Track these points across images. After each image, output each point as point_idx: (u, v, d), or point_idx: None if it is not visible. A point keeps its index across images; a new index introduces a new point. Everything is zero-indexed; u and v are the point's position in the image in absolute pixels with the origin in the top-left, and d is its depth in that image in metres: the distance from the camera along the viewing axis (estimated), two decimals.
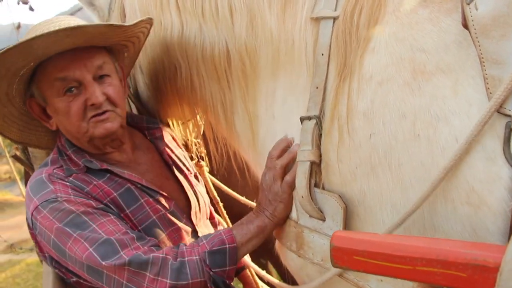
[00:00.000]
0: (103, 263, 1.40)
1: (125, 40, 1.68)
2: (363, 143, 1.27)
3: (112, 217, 1.51)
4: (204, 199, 1.89)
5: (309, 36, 1.41)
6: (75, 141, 1.62)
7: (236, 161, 1.90)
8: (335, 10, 1.37)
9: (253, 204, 2.22)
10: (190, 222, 1.73)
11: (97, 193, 1.55)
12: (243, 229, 1.51)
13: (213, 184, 2.23)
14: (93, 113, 1.55)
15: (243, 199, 2.26)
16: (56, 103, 1.54)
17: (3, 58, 1.41)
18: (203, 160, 2.10)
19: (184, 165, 1.88)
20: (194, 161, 2.10)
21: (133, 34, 1.66)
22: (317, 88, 1.36)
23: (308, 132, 1.35)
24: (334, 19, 1.37)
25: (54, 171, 1.57)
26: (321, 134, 1.36)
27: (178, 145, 1.98)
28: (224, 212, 2.19)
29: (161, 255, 1.44)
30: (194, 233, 1.72)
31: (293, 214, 1.46)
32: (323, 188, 1.36)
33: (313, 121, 1.35)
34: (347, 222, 1.33)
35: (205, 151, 2.05)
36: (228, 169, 2.00)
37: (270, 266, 3.79)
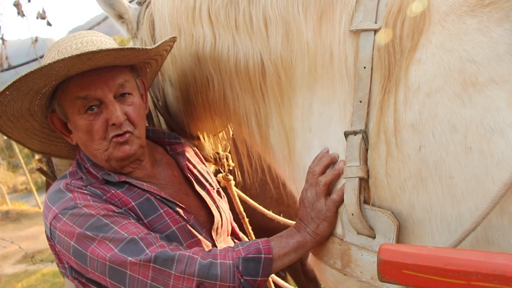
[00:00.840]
0: (129, 258, 1.35)
1: (148, 60, 1.64)
2: (412, 156, 1.22)
3: (133, 220, 1.47)
4: (226, 215, 1.82)
5: (348, 49, 1.36)
6: (93, 158, 1.58)
7: (271, 174, 1.85)
8: (376, 22, 1.33)
9: (280, 218, 2.15)
10: (209, 237, 1.66)
11: (115, 201, 1.51)
12: (282, 242, 1.44)
13: (239, 198, 2.16)
14: (114, 133, 1.51)
15: (269, 213, 2.19)
16: (77, 120, 1.50)
17: (25, 80, 1.38)
18: (231, 173, 2.03)
19: (207, 180, 1.82)
20: (222, 174, 2.03)
21: (156, 53, 1.62)
22: (360, 102, 1.31)
23: (355, 147, 1.30)
24: (375, 31, 1.32)
25: (72, 181, 1.54)
26: (367, 149, 1.31)
27: (200, 160, 1.92)
28: (250, 227, 2.11)
29: (188, 253, 1.39)
30: (214, 247, 1.65)
31: (338, 231, 1.40)
32: (372, 204, 1.31)
33: (359, 136, 1.30)
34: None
35: (234, 164, 1.98)
36: (261, 183, 1.94)
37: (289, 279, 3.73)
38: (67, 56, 1.34)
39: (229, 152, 2.05)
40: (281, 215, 2.19)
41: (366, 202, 1.32)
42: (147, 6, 1.90)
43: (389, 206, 1.29)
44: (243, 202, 2.18)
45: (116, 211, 1.46)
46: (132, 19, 1.91)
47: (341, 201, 1.36)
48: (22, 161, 14.73)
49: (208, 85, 1.73)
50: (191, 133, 1.93)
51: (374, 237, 1.31)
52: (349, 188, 1.31)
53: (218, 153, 2.02)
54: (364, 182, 1.31)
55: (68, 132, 1.60)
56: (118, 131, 1.51)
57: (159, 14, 1.82)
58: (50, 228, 1.47)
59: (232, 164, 2.03)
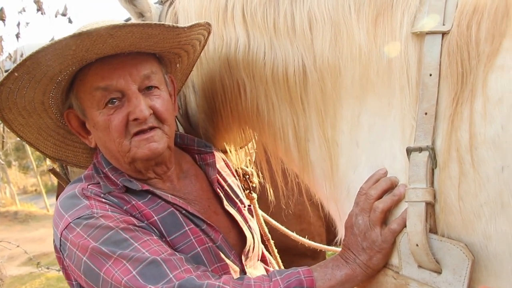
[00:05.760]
0: (148, 286, 1.09)
1: (178, 48, 1.36)
2: (492, 177, 0.99)
3: (155, 237, 1.21)
4: (258, 237, 1.55)
5: (411, 54, 1.12)
6: (114, 161, 1.32)
7: (293, 189, 1.59)
8: (444, 24, 1.09)
9: (304, 240, 1.90)
10: (238, 261, 1.39)
11: (136, 214, 1.25)
12: (327, 273, 1.18)
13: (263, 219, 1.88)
14: (136, 129, 1.24)
15: (293, 234, 1.93)
16: (96, 117, 1.25)
17: (37, 59, 1.12)
18: (254, 191, 1.75)
19: (238, 196, 1.54)
20: (245, 192, 1.75)
21: (187, 41, 1.34)
22: (426, 114, 1.07)
23: (420, 166, 1.05)
24: (443, 34, 1.08)
25: (89, 186, 1.28)
26: (433, 169, 1.06)
27: (231, 172, 1.64)
28: (276, 250, 1.84)
29: (218, 283, 1.13)
30: (242, 273, 1.38)
31: (393, 262, 1.14)
32: (436, 233, 1.06)
33: (425, 153, 1.05)
34: None
35: (267, 181, 1.70)
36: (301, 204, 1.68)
37: None
38: (85, 31, 1.08)
39: (255, 167, 1.78)
40: (306, 236, 1.93)
41: (432, 230, 1.07)
42: (170, 5, 1.64)
43: (459, 235, 1.05)
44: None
45: (137, 224, 1.21)
46: (154, 18, 1.65)
47: (401, 230, 1.11)
48: (33, 163, 14.45)
49: (239, 93, 1.46)
50: (216, 146, 1.66)
51: (440, 273, 1.06)
52: (413, 214, 1.06)
53: (242, 169, 1.74)
54: (430, 208, 1.06)
55: (86, 133, 1.34)
56: (142, 126, 1.24)
57: (185, 13, 1.56)
58: (60, 239, 1.21)
59: (256, 181, 1.76)
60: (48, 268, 5.20)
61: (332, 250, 2.13)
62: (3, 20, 4.57)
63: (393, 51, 1.15)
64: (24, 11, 4.67)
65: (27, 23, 4.76)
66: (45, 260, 7.28)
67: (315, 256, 2.73)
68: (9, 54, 4.68)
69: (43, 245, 8.32)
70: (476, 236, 1.02)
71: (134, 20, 1.65)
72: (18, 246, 5.20)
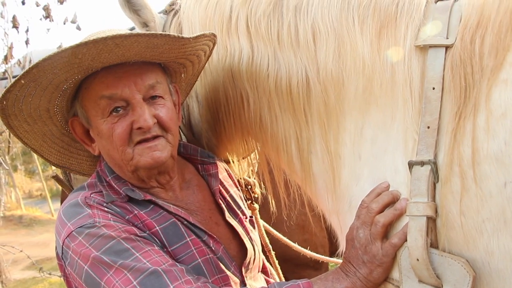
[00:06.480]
0: None
1: (183, 58, 1.37)
2: (494, 193, 0.99)
3: (156, 247, 1.21)
4: (259, 248, 1.55)
5: (414, 67, 1.12)
6: (117, 169, 1.33)
7: (295, 199, 1.58)
8: (447, 37, 1.09)
9: (306, 252, 1.89)
10: (239, 273, 1.39)
11: (138, 223, 1.25)
12: (327, 286, 1.17)
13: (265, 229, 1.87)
14: (140, 138, 1.25)
15: (295, 245, 1.92)
16: (100, 124, 1.25)
17: (43, 67, 1.13)
18: (256, 202, 1.74)
19: (239, 207, 1.54)
20: (247, 203, 1.74)
21: (192, 51, 1.35)
22: (428, 127, 1.07)
23: (422, 180, 1.05)
24: (447, 47, 1.08)
25: (92, 195, 1.28)
26: (435, 183, 1.06)
27: (234, 183, 1.64)
28: (276, 261, 1.83)
29: None
30: (242, 285, 1.38)
31: (394, 275, 1.13)
32: (437, 247, 1.05)
33: (427, 167, 1.05)
34: None
35: (269, 192, 1.69)
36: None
37: None
38: (91, 39, 1.09)
39: (257, 178, 1.78)
40: (308, 247, 1.92)
41: (433, 245, 1.06)
42: (174, 15, 1.65)
43: (460, 251, 1.04)
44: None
45: (139, 234, 1.21)
46: (158, 28, 1.66)
47: (402, 245, 1.10)
48: (39, 167, 14.58)
49: (243, 104, 1.46)
50: (218, 155, 1.65)
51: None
52: (414, 228, 1.05)
53: (245, 179, 1.74)
54: (431, 222, 1.05)
55: (90, 141, 1.35)
56: (146, 135, 1.25)
57: (189, 23, 1.56)
58: (62, 247, 1.21)
59: (258, 192, 1.75)
60: (50, 274, 5.20)
61: (334, 261, 2.11)
62: (17, 28, 4.66)
63: (395, 59, 1.15)
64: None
65: (48, 29, 4.85)
66: (48, 265, 7.31)
67: (317, 266, 2.71)
68: (18, 60, 4.76)
69: (47, 250, 8.36)
70: (478, 252, 1.02)
71: (138, 30, 1.66)
72: (21, 251, 5.22)
